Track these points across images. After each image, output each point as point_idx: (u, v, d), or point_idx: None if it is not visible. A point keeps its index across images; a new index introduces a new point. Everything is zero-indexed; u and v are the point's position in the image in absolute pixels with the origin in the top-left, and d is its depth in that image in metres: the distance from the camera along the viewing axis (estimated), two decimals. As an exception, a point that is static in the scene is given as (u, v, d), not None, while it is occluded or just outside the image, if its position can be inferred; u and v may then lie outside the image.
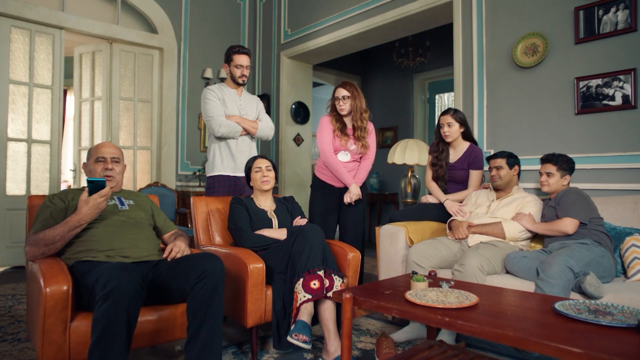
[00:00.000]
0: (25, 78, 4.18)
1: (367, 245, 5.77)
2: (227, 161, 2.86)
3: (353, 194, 2.76)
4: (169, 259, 1.80)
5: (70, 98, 6.49)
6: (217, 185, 2.86)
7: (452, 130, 2.77)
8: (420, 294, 1.51)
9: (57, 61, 4.34)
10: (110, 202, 1.91)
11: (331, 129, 2.83)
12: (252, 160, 2.44)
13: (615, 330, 1.16)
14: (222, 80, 5.22)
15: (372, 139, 2.88)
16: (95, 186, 1.69)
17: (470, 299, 1.45)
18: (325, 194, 2.89)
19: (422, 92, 6.18)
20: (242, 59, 2.84)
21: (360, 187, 2.83)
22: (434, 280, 1.79)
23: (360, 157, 2.88)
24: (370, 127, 2.89)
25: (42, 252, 1.68)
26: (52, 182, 4.30)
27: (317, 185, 2.96)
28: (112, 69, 4.74)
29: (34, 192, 4.19)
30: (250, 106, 2.97)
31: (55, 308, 1.44)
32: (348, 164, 2.85)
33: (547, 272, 1.89)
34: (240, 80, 2.89)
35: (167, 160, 4.99)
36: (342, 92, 2.78)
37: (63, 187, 5.62)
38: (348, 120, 2.84)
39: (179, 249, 1.84)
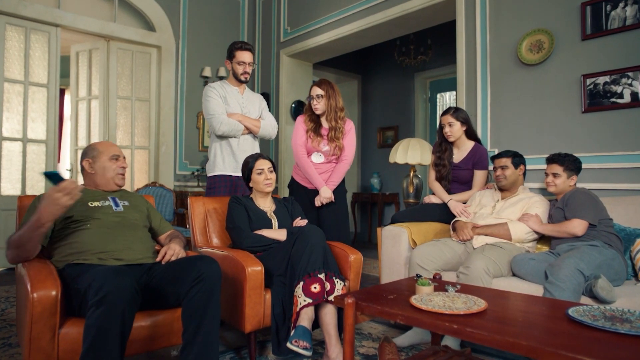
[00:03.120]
0: (21, 76, 4.11)
1: (367, 247, 5.71)
2: (229, 161, 2.78)
3: (322, 198, 2.67)
4: (163, 262, 1.73)
5: (68, 98, 6.42)
6: (218, 186, 2.78)
7: (453, 129, 2.70)
8: (425, 298, 1.44)
9: (53, 59, 4.27)
10: (104, 203, 1.85)
11: (304, 129, 2.73)
12: (252, 161, 2.32)
13: (634, 339, 1.09)
14: (221, 79, 5.16)
15: (348, 140, 2.73)
16: (53, 180, 1.47)
17: (478, 304, 1.38)
18: (299, 194, 2.80)
19: (424, 91, 6.11)
20: (245, 56, 2.76)
21: (337, 189, 2.73)
22: (440, 284, 1.72)
23: (337, 159, 2.75)
24: (348, 126, 2.74)
25: (16, 254, 1.57)
26: (48, 182, 4.22)
27: (292, 185, 2.89)
28: (109, 68, 4.67)
29: (29, 192, 4.13)
30: (252, 104, 2.90)
31: (42, 314, 1.37)
32: (322, 166, 2.73)
33: (556, 275, 1.82)
34: (242, 78, 2.81)
35: (165, 160, 4.92)
36: (317, 90, 2.67)
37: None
38: (324, 120, 2.72)
39: (173, 251, 1.77)
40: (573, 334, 1.14)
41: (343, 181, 2.82)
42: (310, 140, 2.71)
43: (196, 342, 1.51)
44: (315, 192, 2.71)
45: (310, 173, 2.69)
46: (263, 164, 2.30)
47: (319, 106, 2.67)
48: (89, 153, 1.90)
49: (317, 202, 2.69)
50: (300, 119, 2.78)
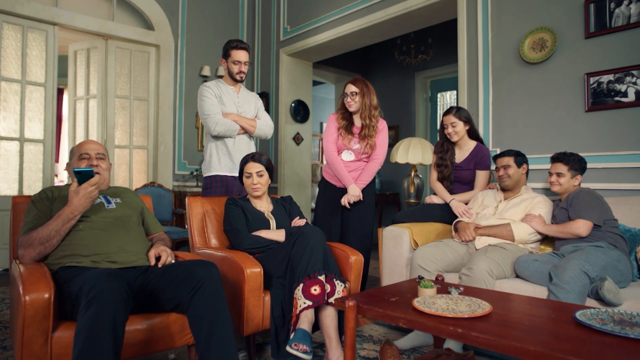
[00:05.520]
0: (18, 75, 4.07)
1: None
2: (225, 161, 2.75)
3: (350, 195, 2.65)
4: (159, 265, 1.69)
5: (66, 97, 6.37)
6: (214, 186, 2.75)
7: (457, 129, 2.66)
8: (428, 301, 1.41)
9: (51, 58, 4.22)
10: (96, 202, 1.81)
11: (335, 127, 2.73)
12: (244, 162, 2.28)
13: (646, 344, 1.05)
14: (220, 78, 5.11)
15: (381, 139, 2.71)
16: (83, 176, 1.62)
17: (483, 307, 1.35)
18: (328, 193, 2.79)
19: (424, 90, 6.08)
20: (241, 55, 2.72)
21: (366, 188, 2.71)
22: (442, 286, 1.69)
23: (368, 157, 2.74)
24: (381, 125, 2.73)
25: (39, 251, 1.60)
26: (45, 182, 4.19)
27: (322, 184, 2.88)
28: (108, 67, 4.63)
29: (26, 192, 4.08)
30: (248, 104, 2.86)
31: (35, 318, 1.33)
32: (352, 164, 2.72)
33: (561, 277, 1.78)
34: (238, 77, 2.77)
35: (164, 159, 4.88)
36: (351, 88, 2.67)
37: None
38: (357, 118, 2.72)
39: (166, 254, 1.73)
40: (582, 339, 1.10)
41: (373, 181, 2.80)
42: (341, 138, 2.70)
43: (212, 352, 1.44)
44: (345, 191, 2.69)
45: (339, 171, 2.68)
46: (252, 168, 2.24)
47: (353, 104, 2.66)
48: (70, 154, 1.92)
49: (344, 200, 2.67)
50: (333, 117, 2.78)
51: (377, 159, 2.72)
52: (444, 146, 2.77)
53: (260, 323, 1.88)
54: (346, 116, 2.73)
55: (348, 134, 2.69)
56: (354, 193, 2.65)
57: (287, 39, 5.06)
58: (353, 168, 2.73)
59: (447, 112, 2.70)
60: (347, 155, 2.72)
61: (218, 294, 1.53)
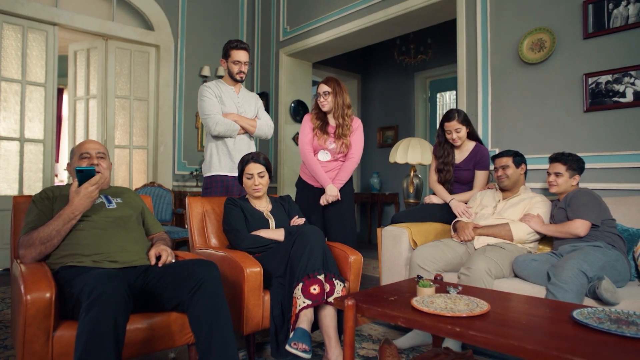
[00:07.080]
0: (18, 75, 4.08)
1: (366, 247, 5.68)
2: (225, 161, 2.75)
3: (328, 196, 2.64)
4: (159, 265, 1.70)
5: (66, 97, 6.38)
6: (214, 186, 2.76)
7: (461, 135, 2.66)
8: (427, 300, 1.42)
9: (51, 58, 4.23)
10: (97, 201, 1.82)
11: (310, 127, 2.72)
12: (244, 162, 2.27)
13: (642, 343, 1.06)
14: (220, 78, 5.12)
15: (356, 137, 2.70)
16: (84, 175, 1.63)
17: (481, 306, 1.35)
18: (306, 193, 2.79)
19: (424, 90, 6.09)
20: (241, 55, 2.73)
21: (344, 188, 2.70)
22: (441, 286, 1.70)
23: (344, 156, 2.73)
24: (356, 124, 2.72)
25: (40, 251, 1.60)
26: (45, 182, 4.20)
27: (299, 184, 2.87)
28: (108, 67, 4.64)
29: (26, 192, 4.09)
30: (248, 104, 2.87)
31: (36, 317, 1.34)
32: (329, 164, 2.71)
33: (559, 277, 1.79)
34: (238, 77, 2.78)
35: (164, 159, 4.89)
36: (323, 87, 2.67)
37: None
38: (331, 118, 2.71)
39: (167, 254, 1.74)
40: (579, 338, 1.11)
41: (350, 180, 2.79)
42: (316, 138, 2.70)
43: (212, 351, 1.45)
44: (323, 191, 2.68)
45: (316, 171, 2.67)
46: (253, 169, 2.24)
47: (326, 103, 2.66)
48: (70, 154, 1.92)
49: (323, 200, 2.66)
50: (307, 117, 2.77)
51: (353, 158, 2.71)
52: (444, 150, 2.76)
53: (260, 322, 1.89)
54: (320, 116, 2.72)
55: (323, 134, 2.69)
56: (331, 193, 2.64)
57: (286, 39, 5.07)
58: (330, 168, 2.71)
59: (449, 118, 2.66)
60: (324, 156, 2.71)
61: (218, 294, 1.54)
